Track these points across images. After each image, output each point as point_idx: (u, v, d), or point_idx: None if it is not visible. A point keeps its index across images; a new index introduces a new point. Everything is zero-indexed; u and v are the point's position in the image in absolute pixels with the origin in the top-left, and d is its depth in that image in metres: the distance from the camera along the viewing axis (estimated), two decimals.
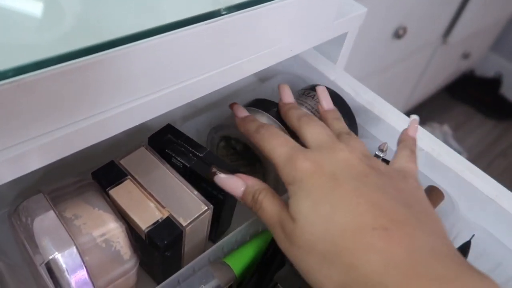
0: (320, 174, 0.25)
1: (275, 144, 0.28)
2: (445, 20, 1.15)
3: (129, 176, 0.32)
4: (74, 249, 0.26)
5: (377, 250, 0.21)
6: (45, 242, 0.26)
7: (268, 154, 0.29)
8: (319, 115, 0.39)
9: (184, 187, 0.32)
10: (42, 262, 0.25)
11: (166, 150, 0.34)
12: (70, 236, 0.26)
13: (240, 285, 0.31)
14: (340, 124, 0.32)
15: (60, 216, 0.27)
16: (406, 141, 0.31)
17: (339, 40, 0.45)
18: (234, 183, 0.29)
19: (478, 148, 1.54)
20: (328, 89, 0.41)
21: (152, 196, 0.31)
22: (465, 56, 1.49)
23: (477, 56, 1.64)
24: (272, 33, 0.33)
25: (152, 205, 0.30)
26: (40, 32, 0.25)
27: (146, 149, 0.34)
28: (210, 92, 0.32)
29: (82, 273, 0.26)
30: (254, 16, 0.30)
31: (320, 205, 0.24)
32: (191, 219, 0.30)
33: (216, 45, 0.29)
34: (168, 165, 0.33)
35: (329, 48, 0.47)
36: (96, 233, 0.27)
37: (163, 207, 0.30)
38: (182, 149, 0.34)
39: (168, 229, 0.29)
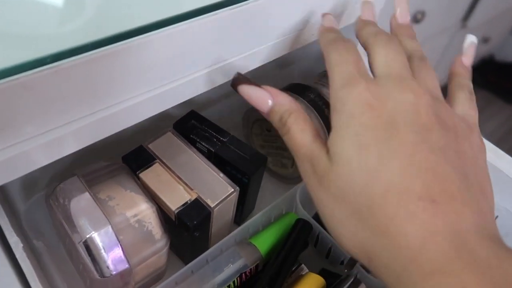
0: (378, 114, 0.21)
1: (344, 59, 0.23)
2: (464, 3, 1.12)
3: (157, 160, 0.33)
4: (109, 228, 0.27)
5: (419, 223, 0.19)
6: (82, 222, 0.27)
7: (329, 69, 0.24)
8: None
9: (211, 170, 0.33)
10: (80, 241, 0.27)
11: (191, 136, 0.35)
12: (105, 216, 0.27)
13: (266, 264, 0.32)
14: (414, 45, 0.27)
15: (95, 198, 0.28)
16: (461, 76, 0.27)
17: None
18: (260, 96, 0.24)
19: (497, 134, 1.52)
20: None
21: (180, 179, 0.32)
22: (485, 40, 1.46)
23: (497, 41, 1.60)
24: (294, 17, 0.33)
25: (180, 187, 0.31)
26: (66, 21, 0.26)
27: (173, 134, 0.35)
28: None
29: (118, 251, 0.27)
30: (277, 1, 0.30)
31: (367, 153, 0.20)
32: (219, 200, 0.31)
33: (241, 31, 0.30)
34: (195, 149, 0.34)
35: (349, 33, 0.47)
36: (129, 213, 0.29)
37: (191, 189, 0.31)
38: (206, 134, 0.35)
39: (197, 209, 0.30)
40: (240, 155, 0.33)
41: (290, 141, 0.23)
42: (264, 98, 0.24)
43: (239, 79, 0.25)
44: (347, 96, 0.22)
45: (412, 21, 0.94)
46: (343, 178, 0.21)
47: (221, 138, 0.34)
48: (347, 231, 0.21)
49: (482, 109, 1.60)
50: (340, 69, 0.23)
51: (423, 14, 0.93)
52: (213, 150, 0.34)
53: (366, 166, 0.20)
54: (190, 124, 0.36)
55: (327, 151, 0.22)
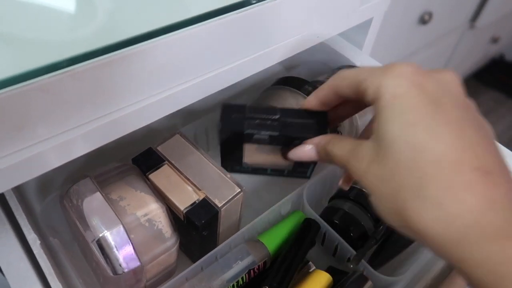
0: (421, 92, 0.21)
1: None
2: (472, 3, 1.12)
3: (166, 162, 0.34)
4: (121, 227, 0.28)
5: (477, 192, 0.19)
6: (95, 221, 0.28)
7: (361, 81, 0.24)
8: None
9: (218, 171, 0.33)
10: (93, 240, 0.28)
11: (246, 132, 0.29)
12: (117, 215, 0.28)
13: (275, 261, 0.33)
14: None
15: (107, 198, 0.29)
16: None
17: (365, 26, 0.46)
18: (304, 151, 0.27)
19: (507, 135, 1.50)
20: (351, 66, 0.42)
21: (189, 180, 0.33)
22: (494, 40, 1.44)
23: (507, 40, 1.58)
24: (299, 20, 0.34)
25: (189, 188, 0.32)
26: (79, 26, 0.27)
27: (181, 136, 0.36)
28: (240, 79, 0.33)
29: (129, 249, 0.28)
30: (282, 4, 0.31)
31: (415, 129, 0.21)
32: (226, 200, 0.32)
33: (247, 34, 0.31)
34: (202, 151, 0.35)
35: (355, 34, 0.48)
36: (139, 213, 0.29)
37: (199, 189, 0.32)
38: (257, 121, 0.30)
39: (205, 209, 0.31)
40: (303, 123, 0.30)
41: (336, 160, 0.25)
42: (307, 149, 0.27)
43: (285, 152, 0.29)
44: (388, 77, 0.22)
45: (419, 22, 0.94)
46: (390, 158, 0.21)
47: (274, 117, 0.30)
48: (404, 210, 0.21)
49: (492, 109, 1.59)
50: (371, 69, 0.24)
51: (430, 15, 0.93)
52: (276, 134, 0.29)
53: (413, 142, 0.21)
54: (234, 119, 0.30)
55: (374, 141, 0.23)
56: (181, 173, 0.33)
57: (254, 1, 0.30)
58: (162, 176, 0.33)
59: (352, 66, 0.43)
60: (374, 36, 0.48)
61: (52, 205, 0.33)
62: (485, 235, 0.19)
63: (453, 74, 0.23)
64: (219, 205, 0.31)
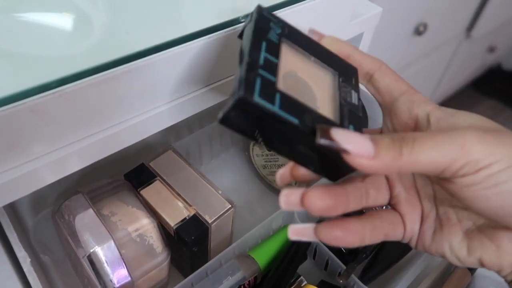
0: None
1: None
2: (467, 13, 1.13)
3: (158, 177, 0.34)
4: (112, 243, 0.28)
5: None
6: (86, 237, 0.28)
7: None
8: None
9: (209, 186, 0.34)
10: (84, 255, 0.28)
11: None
12: (108, 231, 0.29)
13: (266, 276, 0.33)
14: None
15: (99, 214, 0.30)
16: None
17: (356, 40, 0.46)
18: (360, 139, 0.18)
19: None
20: None
21: (180, 195, 0.33)
22: (491, 49, 1.45)
23: (504, 49, 1.59)
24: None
25: (179, 203, 0.32)
26: (74, 44, 0.28)
27: (174, 152, 0.36)
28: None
29: (120, 265, 0.28)
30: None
31: None
32: (216, 216, 0.32)
33: (237, 52, 0.31)
34: (194, 167, 0.35)
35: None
36: (131, 228, 0.30)
37: (190, 205, 0.32)
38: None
39: (195, 225, 0.31)
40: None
41: (420, 163, 0.19)
42: (365, 140, 0.19)
43: (325, 130, 0.18)
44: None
45: (415, 34, 0.95)
46: None
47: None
48: None
49: (490, 118, 1.59)
50: None
51: (425, 26, 0.94)
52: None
53: None
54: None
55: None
56: (173, 189, 0.34)
57: (243, 20, 0.30)
58: (153, 192, 0.33)
59: None
60: (365, 50, 0.49)
61: (44, 221, 0.33)
62: None
63: None
64: (209, 221, 0.32)
